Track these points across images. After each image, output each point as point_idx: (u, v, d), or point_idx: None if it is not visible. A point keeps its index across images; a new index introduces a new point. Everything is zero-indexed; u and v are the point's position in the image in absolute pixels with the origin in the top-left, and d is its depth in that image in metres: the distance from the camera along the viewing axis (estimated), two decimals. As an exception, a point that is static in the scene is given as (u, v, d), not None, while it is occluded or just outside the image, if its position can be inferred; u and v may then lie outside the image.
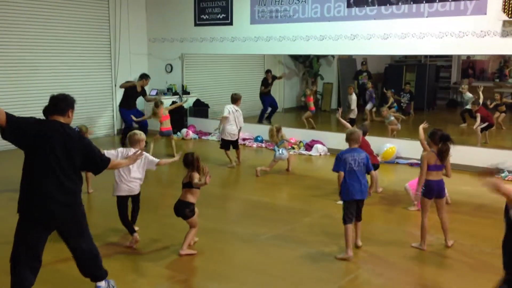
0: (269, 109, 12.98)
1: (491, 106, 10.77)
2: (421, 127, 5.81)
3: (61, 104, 3.65)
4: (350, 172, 4.85)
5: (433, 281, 4.48)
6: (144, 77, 10.23)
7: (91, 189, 6.89)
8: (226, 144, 8.63)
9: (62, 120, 3.62)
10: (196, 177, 4.74)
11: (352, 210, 4.87)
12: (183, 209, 4.78)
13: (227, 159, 8.61)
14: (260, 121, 12.64)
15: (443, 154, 4.86)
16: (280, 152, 8.04)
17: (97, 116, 11.50)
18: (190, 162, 4.81)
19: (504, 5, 7.56)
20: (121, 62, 11.57)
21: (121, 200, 5.02)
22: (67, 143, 3.51)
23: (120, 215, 5.00)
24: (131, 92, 10.04)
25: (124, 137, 8.77)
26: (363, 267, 4.69)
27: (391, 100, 12.66)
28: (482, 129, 9.80)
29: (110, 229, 5.43)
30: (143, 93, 10.28)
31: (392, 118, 10.71)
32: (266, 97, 12.97)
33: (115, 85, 11.57)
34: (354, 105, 11.76)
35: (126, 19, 11.83)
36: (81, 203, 3.67)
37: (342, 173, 4.85)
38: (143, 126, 9.43)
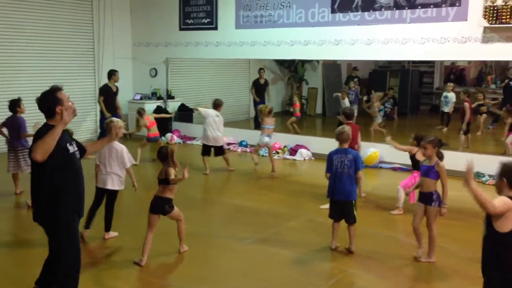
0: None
1: (474, 105, 10.93)
2: (394, 143, 6.11)
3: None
4: (335, 174, 4.98)
5: (416, 285, 4.51)
6: (112, 73, 10.00)
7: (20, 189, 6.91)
8: (206, 150, 8.54)
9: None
10: (172, 173, 4.69)
11: (335, 209, 5.06)
12: (162, 205, 4.74)
13: (213, 165, 8.51)
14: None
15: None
16: (268, 137, 8.22)
17: (80, 121, 11.38)
18: (165, 156, 4.74)
19: (485, 11, 7.68)
20: (105, 66, 11.47)
21: (97, 192, 5.25)
22: None
23: (92, 205, 5.21)
24: (109, 96, 9.92)
25: None
26: (346, 270, 4.71)
27: (376, 103, 12.78)
28: (465, 132, 9.91)
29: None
30: (117, 92, 10.12)
31: (380, 120, 10.83)
32: (256, 103, 12.36)
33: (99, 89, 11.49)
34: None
35: (110, 23, 11.77)
36: None
37: (328, 175, 5.05)
38: (155, 140, 9.32)
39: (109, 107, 9.85)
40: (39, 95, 3.52)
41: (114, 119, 5.22)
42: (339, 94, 12.20)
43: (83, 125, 11.50)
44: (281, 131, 11.18)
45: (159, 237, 5.02)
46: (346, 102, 11.92)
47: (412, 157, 6.20)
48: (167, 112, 11.20)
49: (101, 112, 9.96)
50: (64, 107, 3.39)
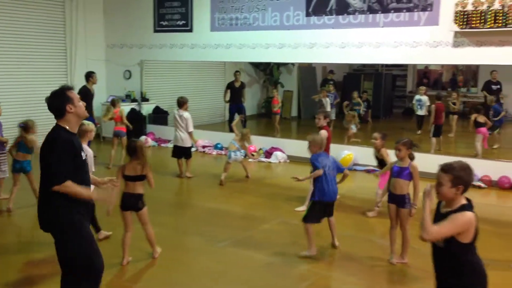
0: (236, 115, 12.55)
1: (455, 102, 11.30)
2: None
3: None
4: (326, 176, 5.00)
5: (390, 286, 4.54)
6: (90, 75, 9.78)
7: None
8: (176, 152, 8.38)
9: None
10: (149, 170, 4.67)
11: (318, 211, 5.02)
12: (136, 202, 4.66)
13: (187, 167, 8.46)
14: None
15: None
16: (235, 154, 7.99)
17: (52, 123, 11.14)
18: (134, 150, 4.65)
19: (456, 16, 7.83)
20: (78, 67, 11.29)
21: None
22: None
23: None
24: (87, 99, 9.73)
25: None
26: (320, 273, 4.72)
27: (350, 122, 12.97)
28: (434, 134, 10.09)
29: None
30: (93, 94, 9.92)
31: (354, 127, 10.93)
32: (232, 105, 12.28)
33: (72, 91, 11.30)
34: (329, 108, 11.96)
35: (83, 24, 11.59)
36: None
37: (321, 171, 4.98)
38: (119, 135, 8.98)
39: (88, 110, 9.62)
40: (48, 94, 3.44)
41: (85, 122, 5.13)
42: (321, 96, 12.26)
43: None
44: (256, 134, 11.18)
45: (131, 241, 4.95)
46: (328, 100, 12.06)
47: (378, 158, 6.30)
48: (138, 118, 11.02)
49: None
50: (74, 106, 3.31)
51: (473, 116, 9.88)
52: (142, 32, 11.64)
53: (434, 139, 10.06)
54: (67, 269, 3.32)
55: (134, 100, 12.04)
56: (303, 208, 6.17)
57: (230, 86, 12.37)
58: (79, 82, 10.84)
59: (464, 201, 2.87)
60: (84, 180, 3.31)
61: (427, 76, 17.39)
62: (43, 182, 3.26)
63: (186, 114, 8.21)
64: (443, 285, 2.98)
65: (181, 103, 8.27)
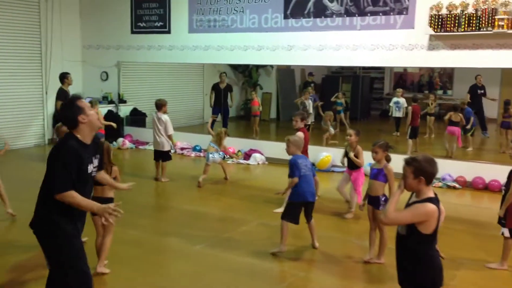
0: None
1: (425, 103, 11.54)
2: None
3: None
4: (304, 176, 5.02)
5: (368, 286, 4.59)
6: (65, 76, 9.63)
7: None
8: (155, 155, 8.30)
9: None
10: (118, 171, 4.60)
11: (296, 211, 5.06)
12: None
13: (168, 170, 8.37)
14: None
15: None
16: (213, 155, 7.98)
17: (26, 125, 10.99)
18: (100, 152, 4.57)
19: (430, 20, 7.96)
20: (53, 68, 11.11)
21: None
22: None
23: None
24: (64, 99, 9.57)
25: None
26: (298, 274, 4.73)
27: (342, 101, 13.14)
28: (411, 136, 10.24)
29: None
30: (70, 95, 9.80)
31: (332, 129, 11.02)
32: (215, 107, 12.18)
33: (46, 93, 11.13)
34: (311, 109, 12.02)
35: (59, 25, 11.40)
36: None
37: (296, 179, 5.01)
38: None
39: None
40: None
41: (106, 142, 5.01)
42: (303, 98, 12.32)
43: (30, 130, 11.09)
44: (235, 136, 11.19)
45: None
46: (310, 102, 12.14)
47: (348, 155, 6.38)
48: (115, 120, 10.90)
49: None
50: (86, 116, 3.25)
51: (448, 114, 10.09)
52: (119, 33, 11.52)
53: (410, 141, 10.22)
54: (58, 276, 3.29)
55: (111, 102, 11.90)
56: (281, 210, 6.17)
57: (215, 87, 12.28)
58: (54, 83, 10.72)
59: (431, 195, 3.01)
60: (83, 193, 3.23)
61: (403, 79, 17.64)
62: (45, 188, 3.23)
63: (164, 117, 8.09)
64: (401, 272, 3.12)
65: (159, 105, 8.13)
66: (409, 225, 3.00)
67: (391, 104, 12.62)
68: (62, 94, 9.54)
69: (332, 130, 11.06)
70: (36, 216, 3.27)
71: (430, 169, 2.98)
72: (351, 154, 6.30)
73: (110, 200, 4.56)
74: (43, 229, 3.23)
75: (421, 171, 2.96)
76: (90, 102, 9.09)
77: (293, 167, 5.06)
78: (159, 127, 8.10)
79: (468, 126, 10.63)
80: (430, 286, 3.02)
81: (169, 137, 8.15)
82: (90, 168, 3.30)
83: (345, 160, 6.58)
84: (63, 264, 3.23)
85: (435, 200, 2.98)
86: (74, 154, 3.17)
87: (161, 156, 8.25)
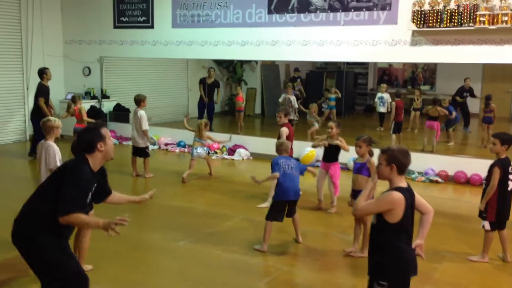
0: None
1: (416, 99, 11.68)
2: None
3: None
4: (284, 175, 5.04)
5: (352, 280, 4.62)
6: (44, 71, 9.41)
7: None
8: (132, 150, 8.22)
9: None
10: None
11: (280, 210, 5.06)
12: None
13: (150, 166, 8.28)
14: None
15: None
16: (198, 150, 7.96)
17: (6, 121, 10.81)
18: (73, 148, 4.41)
19: (413, 16, 8.02)
20: (34, 63, 10.94)
21: None
22: None
23: None
24: (47, 95, 9.44)
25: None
26: (281, 268, 4.75)
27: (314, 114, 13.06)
28: (394, 131, 10.33)
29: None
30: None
31: (316, 124, 11.04)
32: (200, 102, 12.18)
33: (27, 88, 10.95)
34: (296, 105, 12.03)
35: (40, 19, 11.22)
36: None
37: (277, 174, 5.04)
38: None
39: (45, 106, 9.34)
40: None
41: (51, 118, 4.96)
42: (288, 92, 12.28)
43: (10, 125, 10.91)
44: (220, 132, 11.16)
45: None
46: (293, 98, 12.13)
47: (329, 148, 6.37)
48: (98, 115, 10.77)
49: (42, 113, 9.27)
50: (105, 145, 3.25)
51: (426, 108, 10.24)
52: (102, 28, 11.39)
53: (394, 136, 10.30)
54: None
55: (94, 97, 11.77)
56: (265, 205, 6.19)
57: (202, 82, 12.27)
58: (35, 79, 10.54)
59: (402, 185, 3.05)
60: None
61: (387, 74, 17.74)
62: (37, 203, 3.17)
63: (140, 112, 7.94)
64: (370, 260, 3.17)
65: (138, 101, 7.99)
66: (377, 214, 3.05)
67: (376, 99, 12.69)
68: (43, 90, 9.37)
69: (316, 125, 11.09)
70: (20, 230, 3.16)
71: (403, 159, 3.05)
72: (337, 142, 6.26)
73: None
74: (29, 241, 3.13)
75: (394, 159, 3.03)
76: (73, 97, 9.03)
77: (273, 166, 5.15)
78: (135, 122, 8.02)
79: (452, 116, 10.77)
80: (393, 278, 3.03)
81: (144, 132, 7.99)
82: (89, 196, 3.29)
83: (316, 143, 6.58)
84: (57, 271, 3.16)
85: (404, 190, 3.02)
86: (89, 184, 3.19)
87: (138, 152, 8.17)
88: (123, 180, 7.97)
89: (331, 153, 6.41)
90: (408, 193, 3.02)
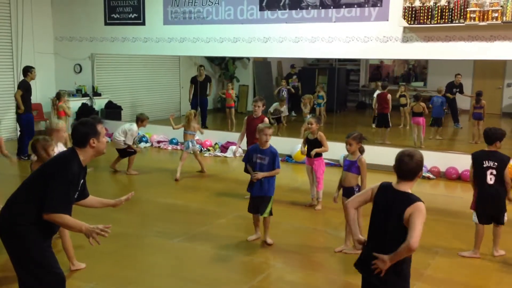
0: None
1: (397, 96, 11.67)
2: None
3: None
4: (254, 170, 5.12)
5: (345, 276, 4.64)
6: (29, 70, 9.27)
7: None
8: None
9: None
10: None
11: (253, 203, 5.19)
12: None
13: (142, 163, 8.28)
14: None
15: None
16: (193, 144, 8.03)
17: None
18: (33, 148, 4.35)
19: (404, 12, 8.04)
20: (25, 61, 10.83)
21: None
22: None
23: None
24: (27, 93, 9.29)
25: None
26: (274, 265, 4.76)
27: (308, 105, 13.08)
28: (379, 124, 10.38)
29: None
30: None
31: (308, 116, 11.05)
32: (193, 99, 12.21)
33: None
34: (285, 95, 12.06)
35: (30, 16, 11.13)
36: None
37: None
38: None
39: (25, 104, 9.21)
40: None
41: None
42: (282, 85, 12.28)
43: (1, 123, 10.81)
44: (212, 129, 11.14)
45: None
46: (284, 94, 12.16)
47: (310, 142, 6.37)
48: (90, 113, 10.72)
49: (17, 107, 9.24)
50: (98, 141, 3.23)
51: (411, 105, 10.31)
52: (93, 24, 11.31)
53: (380, 129, 10.35)
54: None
55: (85, 95, 11.71)
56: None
57: (193, 80, 12.34)
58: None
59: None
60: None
61: (379, 71, 17.78)
62: (23, 196, 3.13)
63: (135, 129, 8.09)
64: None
65: (139, 119, 8.14)
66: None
67: (374, 95, 12.70)
68: (23, 85, 9.23)
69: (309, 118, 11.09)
70: (4, 223, 3.13)
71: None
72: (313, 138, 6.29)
73: None
74: (11, 233, 3.11)
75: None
76: (58, 94, 8.94)
77: (245, 154, 5.23)
78: (124, 130, 8.08)
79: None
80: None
81: (127, 145, 8.09)
82: (77, 191, 3.27)
83: (305, 149, 6.55)
84: (37, 268, 3.13)
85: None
86: (75, 179, 3.15)
87: (121, 153, 8.19)
88: (118, 178, 7.95)
89: (313, 149, 6.39)
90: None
